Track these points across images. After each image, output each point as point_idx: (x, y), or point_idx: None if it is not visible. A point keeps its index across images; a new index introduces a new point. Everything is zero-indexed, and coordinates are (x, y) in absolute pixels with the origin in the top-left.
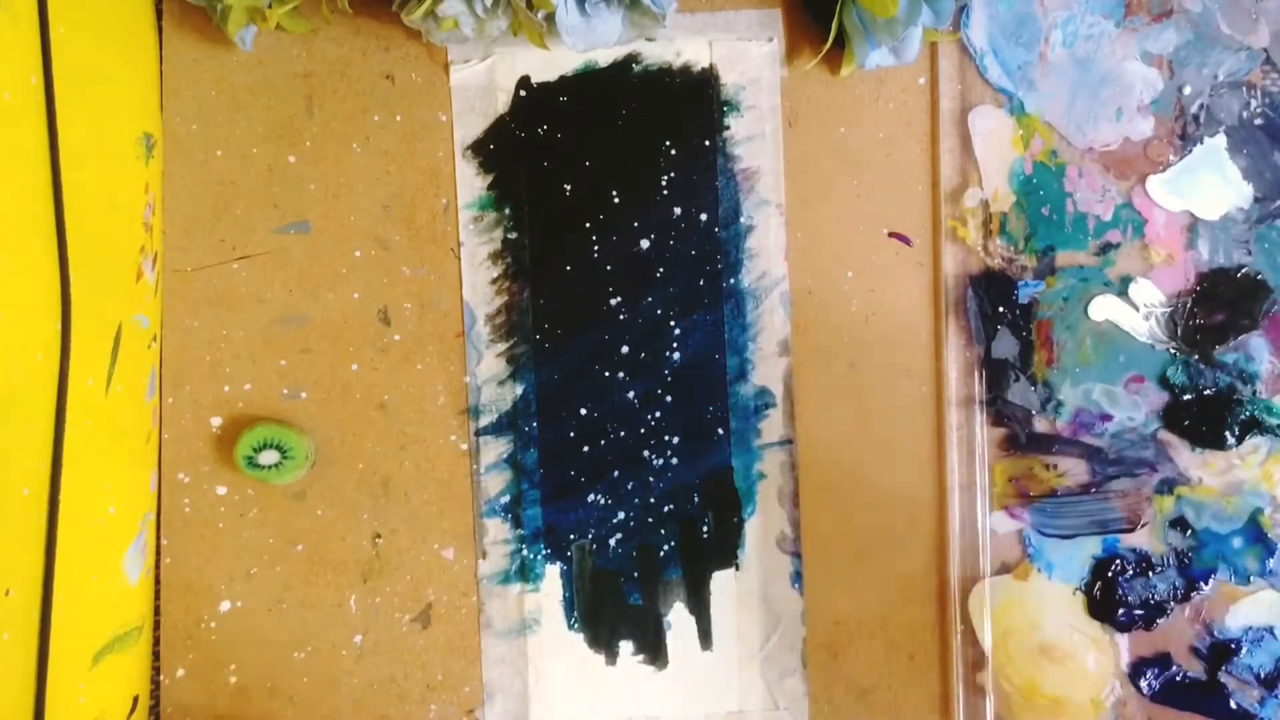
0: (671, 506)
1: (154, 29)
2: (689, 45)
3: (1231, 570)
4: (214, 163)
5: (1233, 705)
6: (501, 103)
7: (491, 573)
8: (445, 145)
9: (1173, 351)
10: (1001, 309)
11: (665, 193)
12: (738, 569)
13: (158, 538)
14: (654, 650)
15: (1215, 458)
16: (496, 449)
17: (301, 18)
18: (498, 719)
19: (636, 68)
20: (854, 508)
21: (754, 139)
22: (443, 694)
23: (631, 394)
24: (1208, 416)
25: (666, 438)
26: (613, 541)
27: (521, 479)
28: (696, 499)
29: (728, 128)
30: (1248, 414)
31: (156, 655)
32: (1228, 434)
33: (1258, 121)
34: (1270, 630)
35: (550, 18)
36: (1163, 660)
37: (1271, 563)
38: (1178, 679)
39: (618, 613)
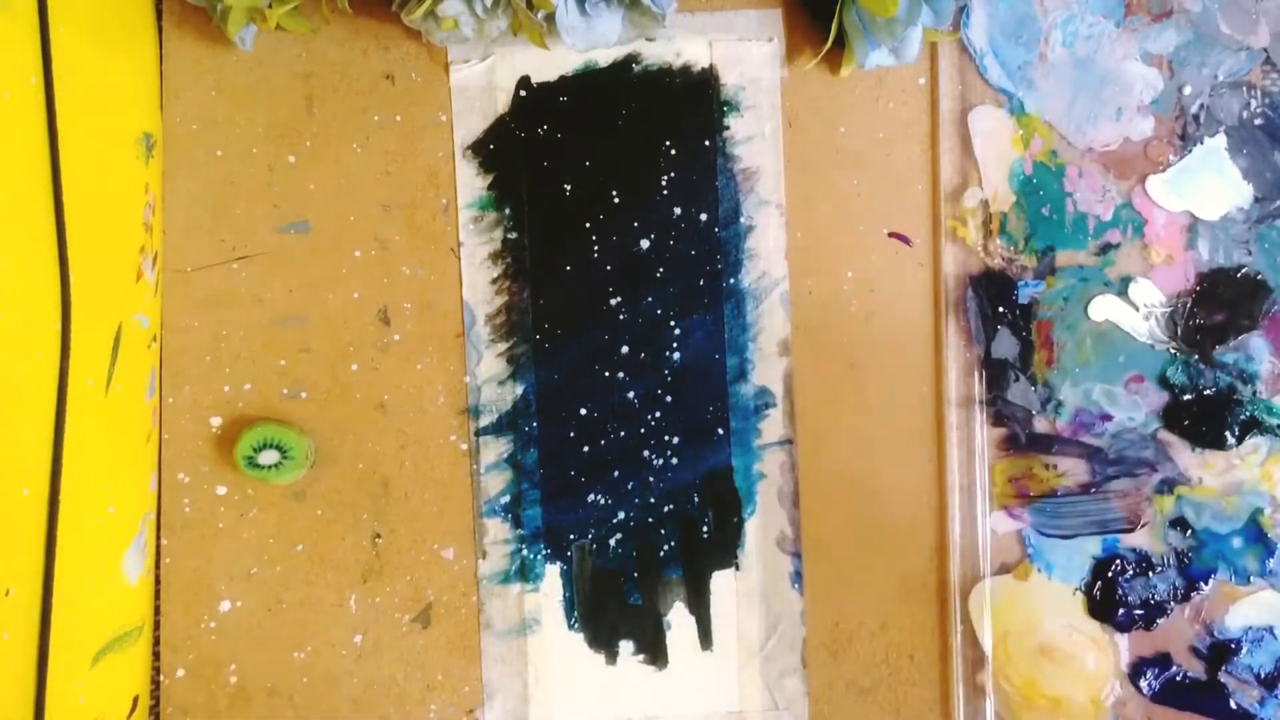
0: (671, 506)
1: (154, 29)
2: (689, 45)
3: (1231, 570)
4: (214, 163)
5: (1233, 705)
6: (501, 103)
7: (491, 573)
8: (445, 145)
9: (1173, 351)
10: (1001, 309)
11: (665, 193)
12: (738, 569)
13: (158, 538)
14: (654, 650)
15: (1215, 458)
16: (496, 449)
17: (301, 18)
18: (498, 719)
19: (636, 68)
20: (854, 508)
21: (754, 139)
22: (443, 694)
23: (631, 394)
24: (1208, 416)
25: (666, 438)
26: (613, 541)
27: (521, 479)
28: (696, 499)
29: (728, 128)
30: (1248, 414)
31: (156, 655)
32: (1228, 434)
33: (1258, 121)
34: (1270, 630)
35: (550, 18)
36: (1163, 660)
37: (1271, 563)
38: (1178, 679)
39: (618, 613)
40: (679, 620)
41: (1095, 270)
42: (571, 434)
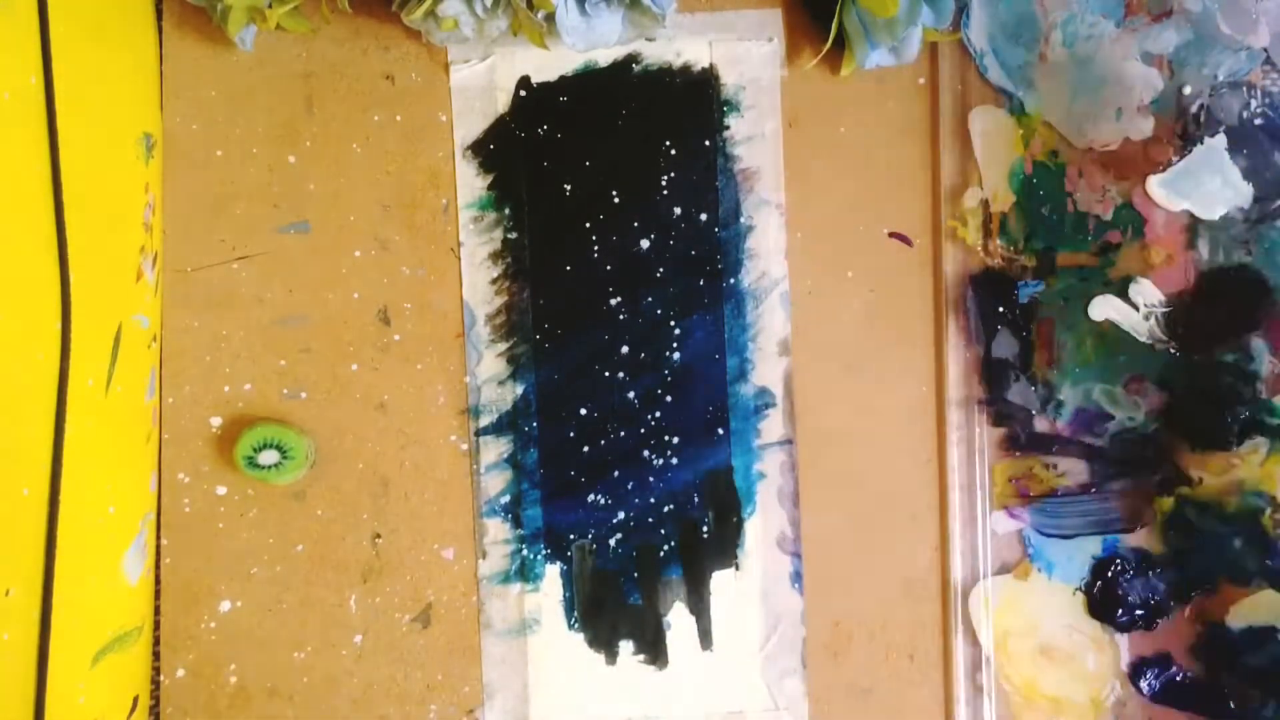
0: (671, 506)
1: (154, 29)
2: (689, 45)
3: (1231, 570)
4: (214, 163)
5: (1233, 705)
6: (501, 103)
7: (491, 573)
8: (445, 145)
9: (1173, 351)
10: (1001, 309)
11: (665, 193)
12: (738, 569)
13: (158, 538)
14: (654, 650)
15: (1215, 458)
16: (496, 449)
17: (301, 18)
18: (498, 719)
19: (636, 68)
20: (854, 508)
21: (754, 139)
22: (443, 694)
23: (631, 394)
24: (1208, 416)
25: (666, 438)
26: (613, 541)
27: (521, 479)
28: (696, 499)
29: (728, 128)
30: (1248, 414)
31: (156, 655)
32: (1228, 434)
33: (1258, 121)
34: (1270, 630)
35: (550, 18)
36: (1163, 660)
37: (1271, 563)
38: (1178, 679)
39: (618, 613)
40: (679, 620)
41: (1095, 270)
42: (571, 434)
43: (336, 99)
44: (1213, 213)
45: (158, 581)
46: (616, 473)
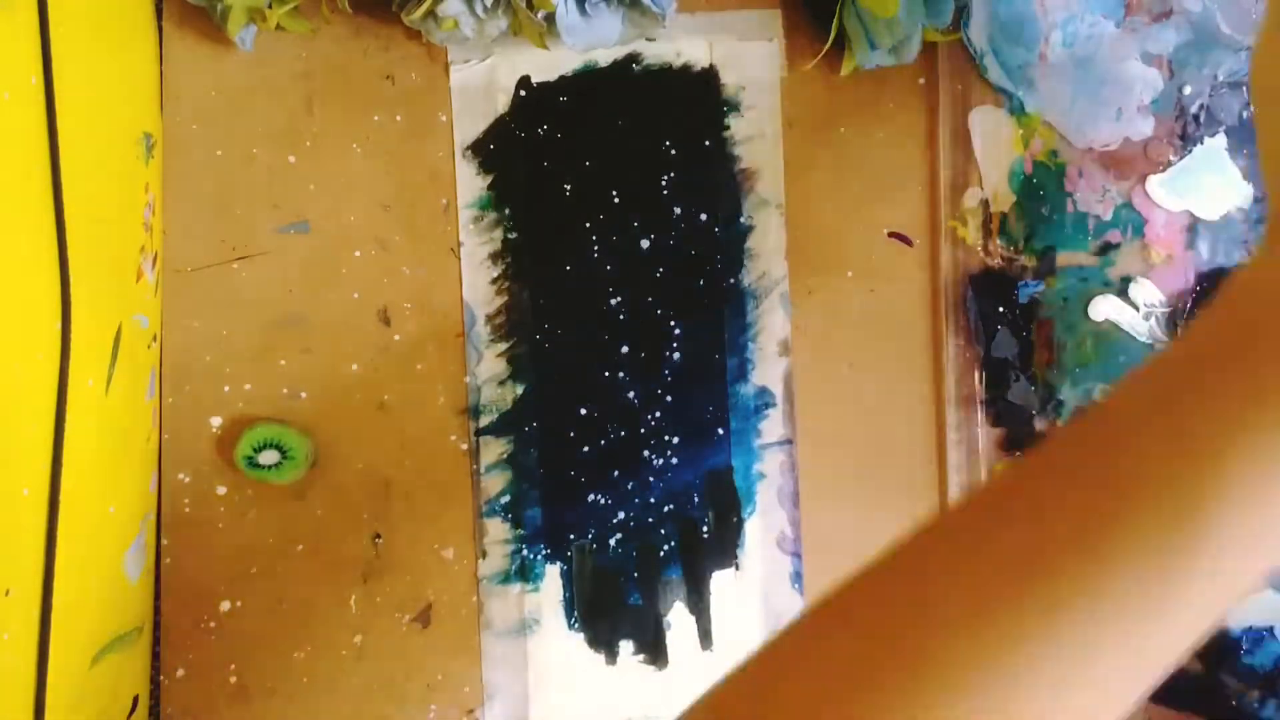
0: (671, 506)
1: (154, 29)
2: (689, 45)
3: None
4: (214, 163)
5: (1233, 705)
6: (501, 103)
7: (491, 573)
8: (445, 145)
9: None
10: (1001, 309)
11: (665, 193)
12: (738, 569)
13: (158, 538)
14: (654, 650)
15: None
16: (496, 449)
17: (301, 18)
18: (497, 719)
19: (637, 68)
20: (854, 507)
21: (754, 139)
22: (443, 694)
23: (631, 394)
24: None
25: (666, 438)
26: (613, 541)
27: (521, 479)
28: (696, 499)
29: (728, 128)
30: None
31: (156, 655)
32: None
33: None
34: (1270, 630)
35: (550, 18)
36: None
37: None
38: (1178, 679)
39: (618, 613)
40: (679, 620)
41: (1095, 270)
42: (571, 434)
43: (336, 99)
44: (1213, 213)
45: (158, 581)
46: (616, 473)
